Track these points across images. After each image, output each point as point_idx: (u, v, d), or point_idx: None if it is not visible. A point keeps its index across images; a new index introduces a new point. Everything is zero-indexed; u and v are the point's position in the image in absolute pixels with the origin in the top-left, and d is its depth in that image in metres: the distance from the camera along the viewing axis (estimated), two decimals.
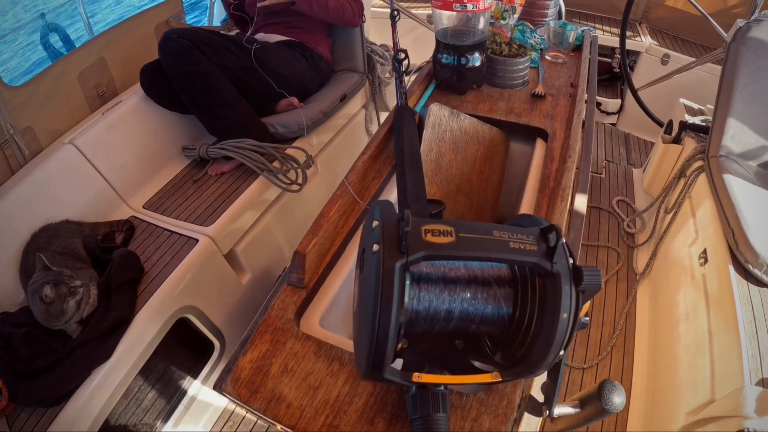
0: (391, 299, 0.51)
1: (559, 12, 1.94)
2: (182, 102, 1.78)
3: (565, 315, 0.53)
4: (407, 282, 0.56)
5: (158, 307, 1.41)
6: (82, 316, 1.40)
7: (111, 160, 1.73)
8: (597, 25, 3.50)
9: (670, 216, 1.86)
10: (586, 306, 0.58)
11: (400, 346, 0.66)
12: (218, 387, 0.76)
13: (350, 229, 1.04)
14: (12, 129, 1.59)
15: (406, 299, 0.58)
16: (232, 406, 1.72)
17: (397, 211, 0.58)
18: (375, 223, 0.56)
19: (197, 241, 1.53)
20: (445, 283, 0.60)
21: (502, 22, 1.69)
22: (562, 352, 0.56)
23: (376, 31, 2.67)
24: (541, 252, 0.55)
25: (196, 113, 1.79)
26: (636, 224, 2.23)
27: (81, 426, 1.31)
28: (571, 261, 0.56)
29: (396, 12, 1.31)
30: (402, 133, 1.15)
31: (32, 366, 1.33)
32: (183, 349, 1.63)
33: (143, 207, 1.72)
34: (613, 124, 3.39)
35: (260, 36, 2.05)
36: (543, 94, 1.46)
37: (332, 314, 0.92)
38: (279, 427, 0.73)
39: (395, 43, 1.36)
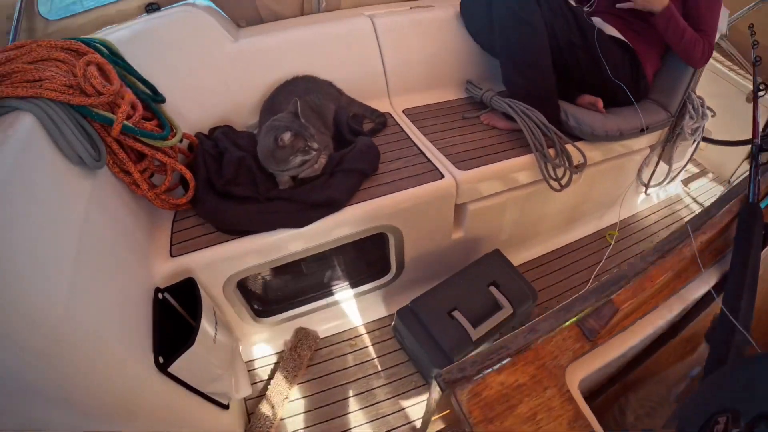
0: None
1: None
2: (490, 40, 1.60)
3: None
4: None
5: (370, 212, 1.30)
6: (299, 175, 1.30)
7: (397, 53, 1.65)
8: None
9: None
10: None
11: None
12: (442, 379, 0.63)
13: (670, 293, 0.81)
14: None
15: None
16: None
17: None
18: None
19: (442, 177, 1.36)
20: None
21: None
22: None
23: None
24: None
25: (502, 59, 1.60)
26: None
27: (223, 269, 1.27)
28: None
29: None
30: (748, 241, 0.82)
31: (227, 187, 1.27)
32: (363, 256, 1.54)
33: (403, 111, 1.58)
34: None
35: (596, 20, 1.80)
36: None
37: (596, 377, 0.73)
38: None
39: (755, 122, 1.03)
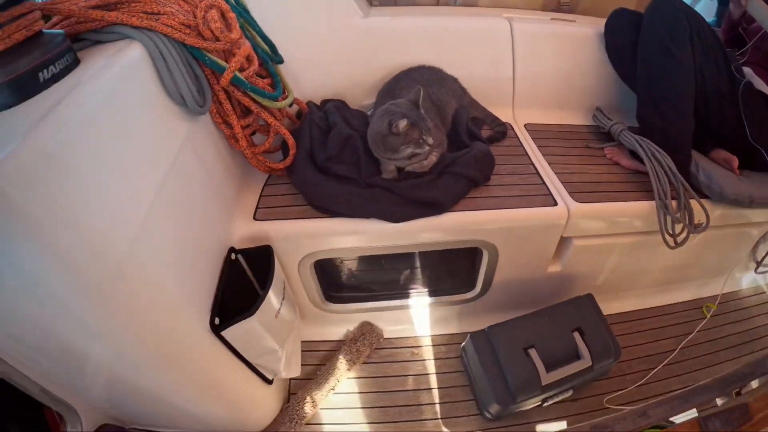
0: None
1: None
2: (631, 68, 1.47)
3: None
4: None
5: (470, 223, 1.22)
6: (405, 168, 1.24)
7: (530, 63, 1.56)
8: None
9: None
10: None
11: None
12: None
13: None
14: None
15: None
16: None
17: None
18: None
19: (555, 204, 1.25)
20: None
21: None
22: None
23: None
24: None
25: (639, 91, 1.46)
26: None
27: (304, 245, 1.23)
28: None
29: None
30: None
31: (328, 163, 1.23)
32: (448, 266, 1.48)
33: (524, 125, 1.48)
34: None
35: (746, 71, 1.62)
36: None
37: None
38: None
39: None
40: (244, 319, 1.08)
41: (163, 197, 0.89)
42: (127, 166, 0.80)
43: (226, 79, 1.05)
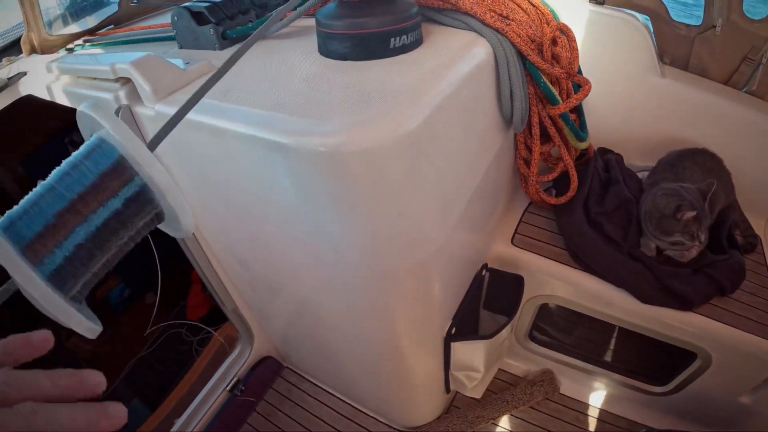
0: None
1: None
2: None
3: None
4: None
5: (698, 325, 1.17)
6: (664, 250, 1.20)
7: None
8: None
9: None
10: None
11: None
12: None
13: None
14: None
15: None
16: None
17: None
18: None
19: None
20: None
21: None
22: None
23: None
24: None
25: None
26: None
27: (543, 284, 1.21)
28: None
29: None
30: None
31: (600, 218, 1.19)
32: (648, 351, 1.39)
33: None
34: None
35: None
36: None
37: None
38: None
39: None
40: (480, 339, 1.10)
41: (469, 209, 0.91)
42: (456, 167, 0.82)
43: (561, 110, 1.03)
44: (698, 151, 1.34)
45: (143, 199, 0.37)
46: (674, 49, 1.52)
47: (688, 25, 1.47)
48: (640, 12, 1.47)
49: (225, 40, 0.96)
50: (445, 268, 0.92)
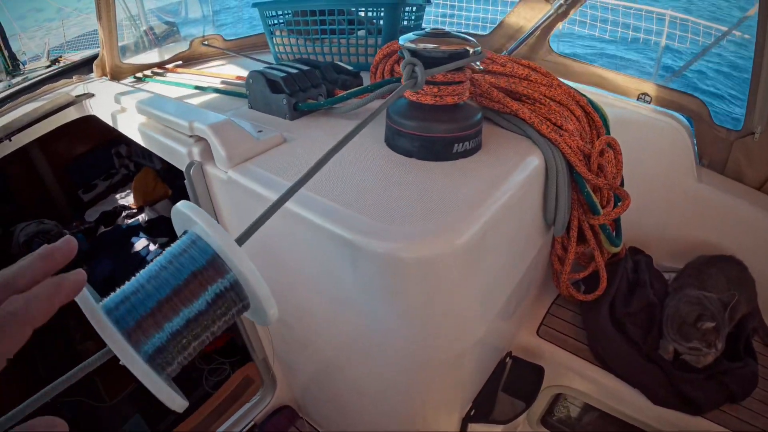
0: None
1: None
2: None
3: None
4: None
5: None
6: (681, 354, 1.21)
7: None
8: None
9: None
10: None
11: None
12: None
13: None
14: None
15: None
16: None
17: None
18: None
19: None
20: None
21: None
22: None
23: None
24: None
25: None
26: None
27: (564, 377, 1.24)
28: None
29: None
30: None
31: (625, 319, 1.22)
32: None
33: None
34: None
35: None
36: None
37: None
38: None
39: None
40: (498, 424, 1.12)
41: (506, 303, 0.94)
42: (501, 267, 0.86)
43: (598, 222, 1.07)
44: (724, 258, 1.37)
45: (233, 293, 0.40)
46: (713, 151, 1.56)
47: (728, 129, 1.52)
48: (684, 113, 1.53)
49: (296, 112, 1.02)
50: (477, 356, 0.95)
